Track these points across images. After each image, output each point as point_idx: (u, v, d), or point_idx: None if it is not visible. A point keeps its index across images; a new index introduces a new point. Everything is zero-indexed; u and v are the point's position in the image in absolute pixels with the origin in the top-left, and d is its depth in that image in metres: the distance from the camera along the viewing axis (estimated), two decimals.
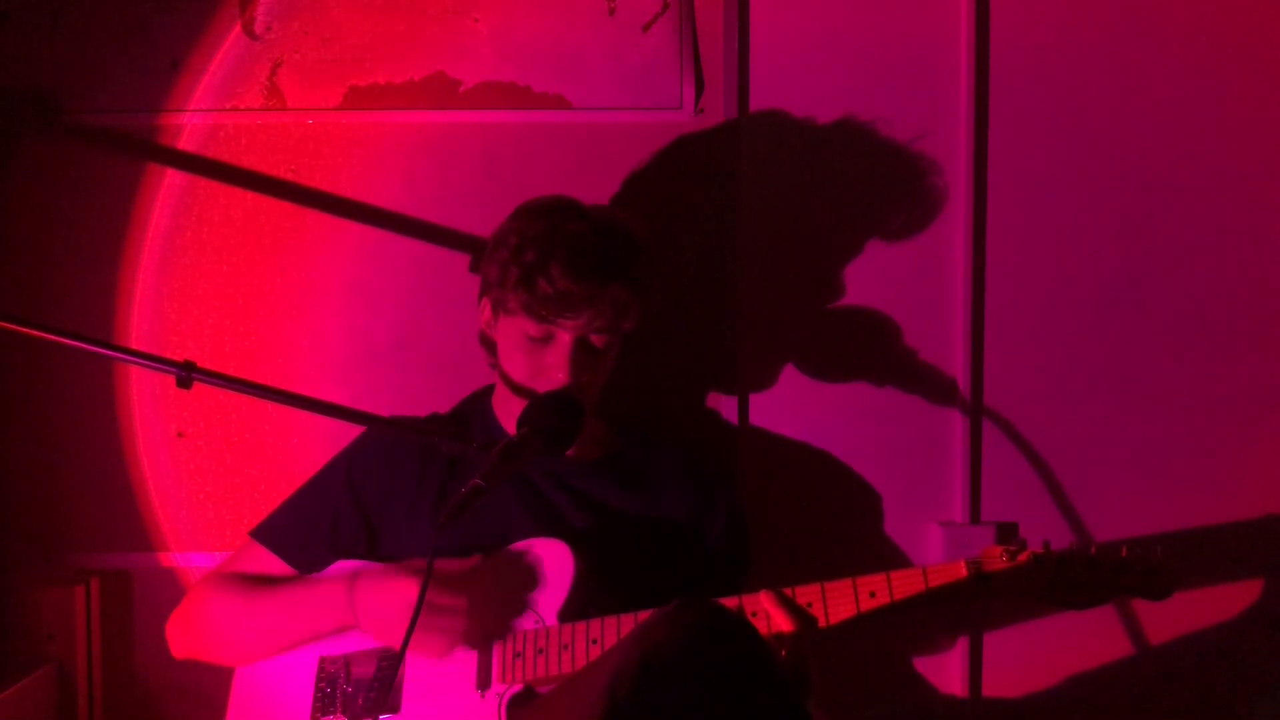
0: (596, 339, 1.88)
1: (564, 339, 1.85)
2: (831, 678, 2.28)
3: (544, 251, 1.83)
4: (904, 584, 1.63)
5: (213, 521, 2.25)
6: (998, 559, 1.62)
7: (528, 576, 1.80)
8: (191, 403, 2.23)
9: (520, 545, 1.82)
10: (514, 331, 1.88)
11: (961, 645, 2.32)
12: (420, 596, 1.59)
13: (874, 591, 1.64)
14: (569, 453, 1.91)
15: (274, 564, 1.94)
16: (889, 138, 2.26)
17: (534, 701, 1.73)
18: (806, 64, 2.26)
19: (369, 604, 1.76)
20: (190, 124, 2.22)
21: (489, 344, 2.00)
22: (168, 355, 1.71)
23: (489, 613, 1.76)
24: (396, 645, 1.64)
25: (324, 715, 1.80)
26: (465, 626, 1.73)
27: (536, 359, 1.87)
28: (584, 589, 1.78)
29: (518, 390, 1.89)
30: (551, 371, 1.86)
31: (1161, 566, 1.60)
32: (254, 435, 2.26)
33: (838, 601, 1.65)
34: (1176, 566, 1.61)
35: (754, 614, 1.66)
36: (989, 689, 2.32)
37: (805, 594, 1.66)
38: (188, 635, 1.93)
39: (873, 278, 2.28)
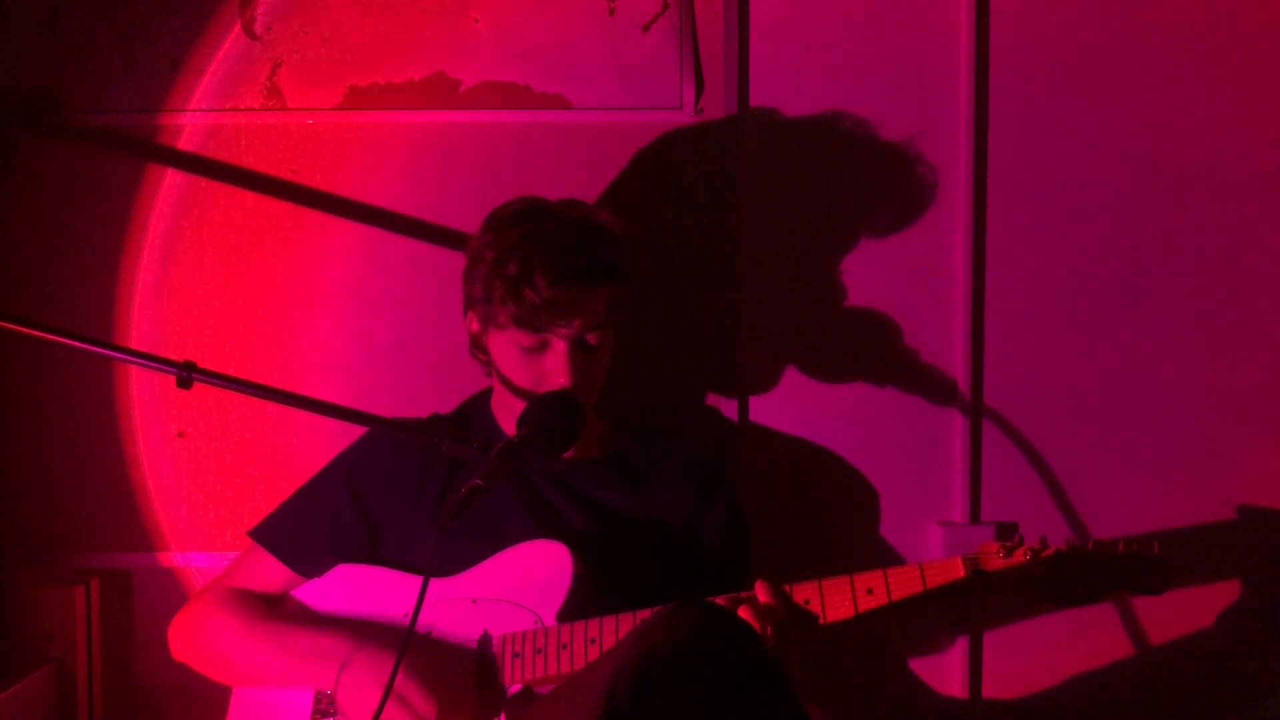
0: (591, 337, 1.87)
1: (559, 345, 1.84)
2: (831, 678, 2.29)
3: (525, 261, 1.81)
4: (901, 580, 1.64)
5: (213, 521, 2.25)
6: (995, 555, 1.62)
7: (526, 578, 1.80)
8: (191, 403, 2.23)
9: (519, 547, 1.82)
10: (508, 344, 1.88)
11: (961, 645, 2.32)
12: (394, 671, 1.56)
13: (871, 588, 1.64)
14: (569, 453, 1.91)
15: (275, 568, 1.94)
16: (889, 137, 2.26)
17: (533, 702, 1.73)
18: (806, 64, 2.26)
19: (351, 681, 1.72)
20: (190, 124, 2.22)
21: (481, 353, 2.00)
22: (168, 355, 1.70)
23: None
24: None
25: (324, 718, 1.80)
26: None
27: (535, 368, 1.87)
28: (583, 590, 1.78)
29: (520, 395, 1.89)
30: (552, 378, 1.85)
31: (1158, 561, 1.60)
32: (254, 435, 2.26)
33: (835, 598, 1.65)
34: (1173, 561, 1.61)
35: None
36: (989, 689, 2.32)
37: (803, 591, 1.66)
38: (186, 648, 1.93)
39: (873, 277, 2.28)
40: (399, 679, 1.61)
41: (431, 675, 1.69)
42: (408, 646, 1.55)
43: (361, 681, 1.70)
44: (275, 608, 1.93)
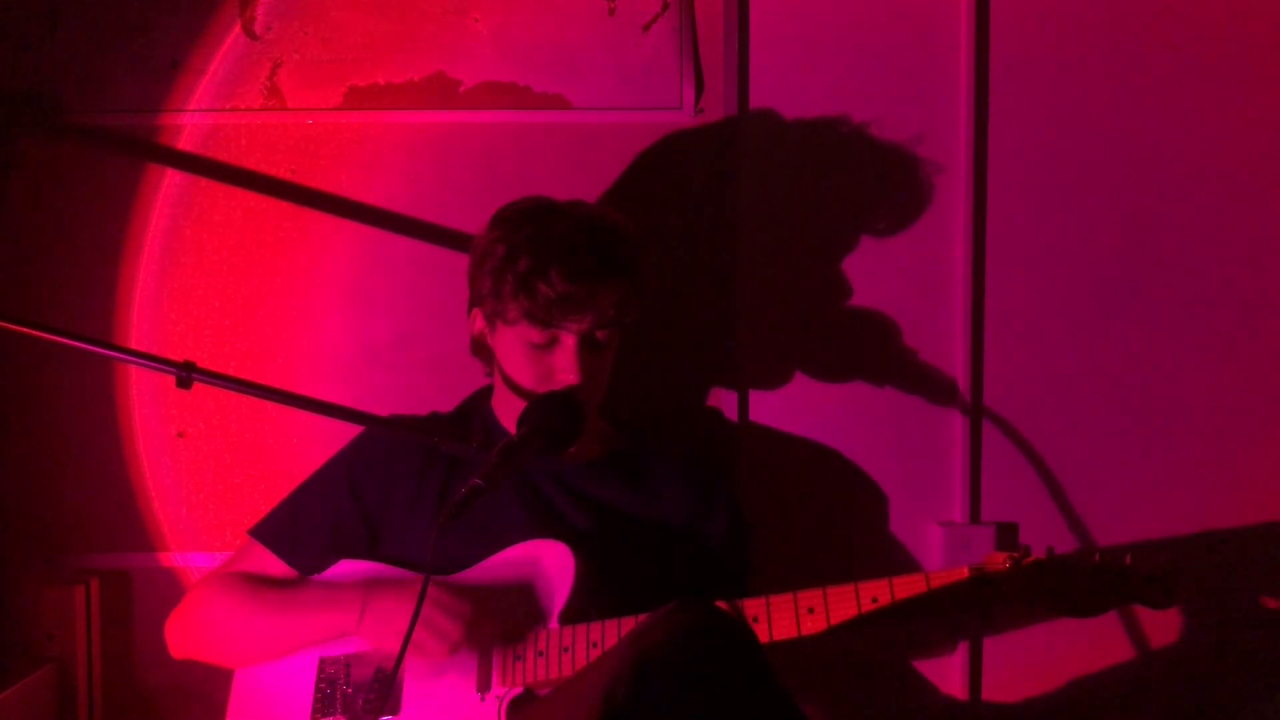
0: (600, 334, 1.87)
1: (569, 341, 1.84)
2: (832, 678, 2.29)
3: (538, 256, 1.82)
4: (906, 589, 1.63)
5: (213, 521, 2.25)
6: (1001, 565, 1.61)
7: (528, 579, 1.80)
8: (191, 403, 2.23)
9: (521, 547, 1.83)
10: (516, 340, 1.87)
11: (962, 648, 2.32)
12: (421, 595, 1.59)
13: (876, 597, 1.64)
14: (569, 452, 1.92)
15: (274, 565, 1.94)
16: (889, 137, 2.25)
17: (533, 704, 1.73)
18: (806, 64, 2.26)
19: (378, 611, 1.76)
20: (190, 124, 2.22)
21: (484, 353, 1.99)
22: (168, 355, 1.71)
23: (492, 621, 1.76)
24: (393, 650, 1.65)
25: (324, 717, 1.80)
26: (465, 632, 1.73)
27: (543, 364, 1.86)
28: (585, 591, 1.78)
29: (523, 394, 1.89)
30: (561, 375, 1.85)
31: (1165, 575, 1.59)
32: (254, 435, 2.26)
33: (840, 606, 1.65)
34: (1180, 575, 1.60)
35: (755, 619, 1.66)
36: (989, 691, 2.32)
37: (807, 599, 1.66)
38: (187, 635, 1.93)
39: (873, 277, 2.28)
40: (425, 603, 1.64)
41: (457, 595, 1.73)
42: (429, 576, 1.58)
43: (383, 622, 1.74)
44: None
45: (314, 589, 1.88)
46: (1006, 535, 2.29)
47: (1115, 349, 2.31)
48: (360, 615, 1.77)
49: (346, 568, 1.93)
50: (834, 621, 1.64)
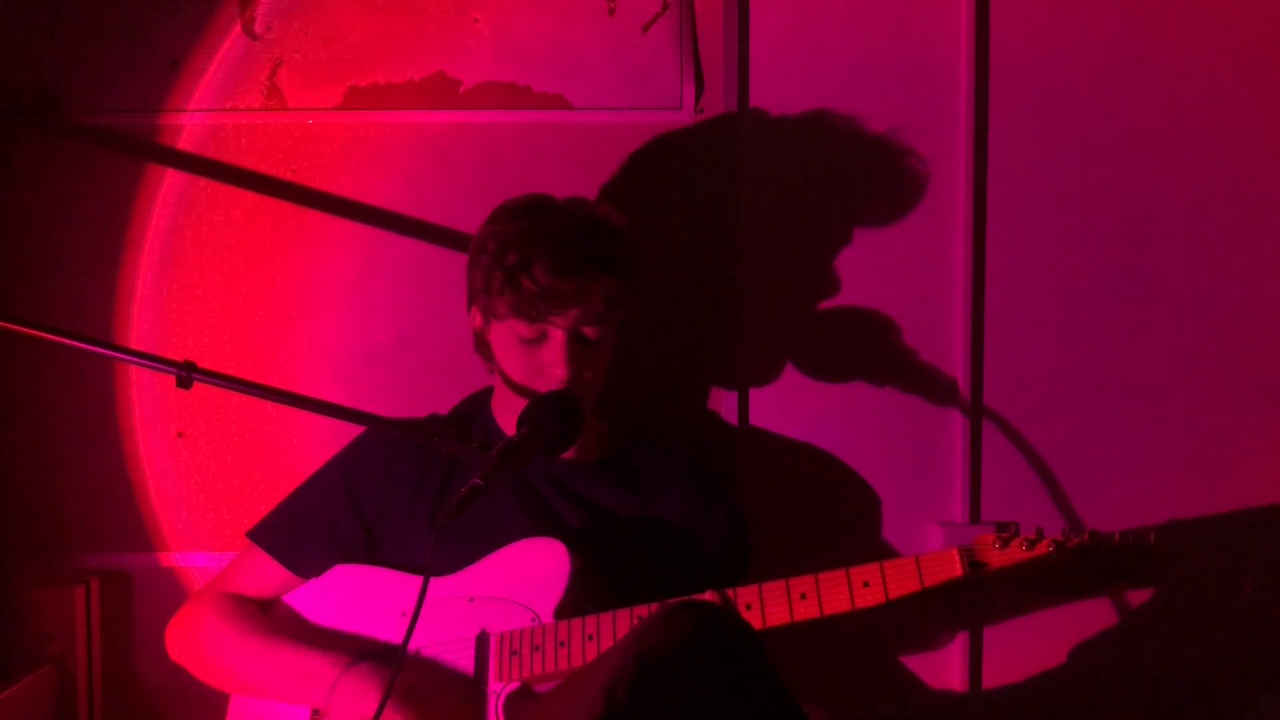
0: (589, 331, 1.87)
1: (557, 336, 1.85)
2: (831, 677, 2.29)
3: (525, 251, 1.82)
4: (897, 572, 1.64)
5: (213, 521, 2.25)
6: (991, 546, 1.62)
7: (523, 575, 1.80)
8: (191, 403, 2.23)
9: (516, 545, 1.83)
10: (507, 335, 1.88)
11: (961, 640, 2.32)
12: (386, 694, 1.57)
13: (868, 581, 1.65)
14: (569, 454, 1.91)
15: (273, 569, 1.94)
16: (888, 138, 2.26)
17: (532, 700, 1.73)
18: (806, 63, 2.26)
19: (339, 707, 1.73)
20: (190, 124, 2.22)
21: (485, 348, 2.00)
22: (168, 355, 1.71)
23: None
24: None
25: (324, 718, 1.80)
26: None
27: (533, 359, 1.87)
28: (580, 588, 1.78)
29: (520, 392, 1.89)
30: (550, 369, 1.85)
31: (1154, 550, 1.60)
32: (254, 435, 2.26)
33: (831, 591, 1.65)
34: (1169, 551, 1.61)
35: (748, 606, 1.66)
36: (989, 684, 2.32)
37: (799, 585, 1.66)
38: (182, 652, 1.93)
39: (873, 277, 2.28)
40: (385, 712, 1.60)
41: (418, 702, 1.69)
42: (398, 672, 1.55)
43: (347, 707, 1.70)
44: (270, 610, 1.94)
45: (294, 653, 1.82)
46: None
47: (1115, 348, 2.31)
48: (326, 702, 1.74)
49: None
50: (826, 606, 1.64)
